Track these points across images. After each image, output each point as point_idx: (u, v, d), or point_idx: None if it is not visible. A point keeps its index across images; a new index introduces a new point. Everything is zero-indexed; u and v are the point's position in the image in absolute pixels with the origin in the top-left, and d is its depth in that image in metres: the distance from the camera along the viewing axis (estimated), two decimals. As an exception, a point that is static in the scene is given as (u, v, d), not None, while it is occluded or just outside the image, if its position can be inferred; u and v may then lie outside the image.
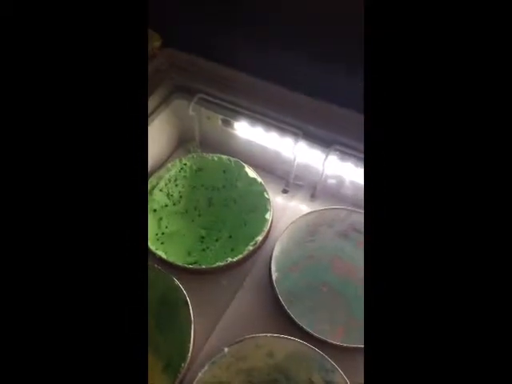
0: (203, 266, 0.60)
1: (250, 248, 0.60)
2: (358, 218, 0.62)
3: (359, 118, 0.57)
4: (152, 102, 0.64)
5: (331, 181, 0.67)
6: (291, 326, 0.54)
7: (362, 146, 0.59)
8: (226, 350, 0.51)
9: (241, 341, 0.51)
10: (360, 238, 0.64)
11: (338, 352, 0.51)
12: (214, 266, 0.59)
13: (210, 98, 0.65)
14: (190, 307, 0.53)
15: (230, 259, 0.59)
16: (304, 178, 0.69)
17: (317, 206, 0.66)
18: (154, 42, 0.65)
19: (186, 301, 0.53)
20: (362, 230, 0.63)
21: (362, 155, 0.59)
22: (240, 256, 0.59)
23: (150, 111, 0.64)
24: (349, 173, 0.63)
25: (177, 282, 0.55)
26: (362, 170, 0.60)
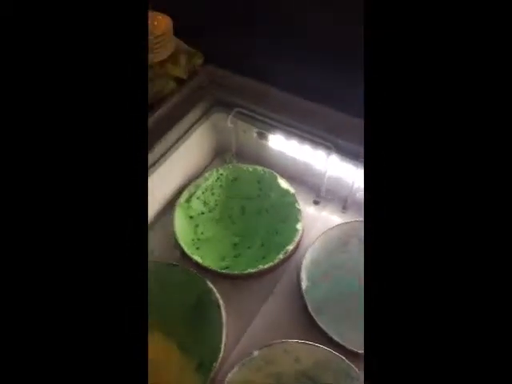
0: (236, 272, 0.62)
1: (281, 257, 0.62)
2: (389, 231, 0.63)
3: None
4: (193, 115, 0.68)
5: (362, 194, 0.68)
6: (319, 334, 0.55)
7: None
8: (255, 353, 0.53)
9: (270, 345, 0.53)
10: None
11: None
12: (246, 272, 0.61)
13: (247, 112, 0.68)
14: (223, 310, 0.56)
15: (261, 266, 0.61)
16: (335, 190, 0.71)
17: (348, 218, 0.68)
18: (197, 60, 0.70)
19: (219, 304, 0.56)
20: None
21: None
22: (271, 264, 0.61)
23: (191, 124, 0.68)
24: (380, 186, 0.64)
25: (210, 285, 0.58)
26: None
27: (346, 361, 0.51)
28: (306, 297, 0.58)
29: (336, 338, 0.54)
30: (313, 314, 0.56)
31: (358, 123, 0.62)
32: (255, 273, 0.61)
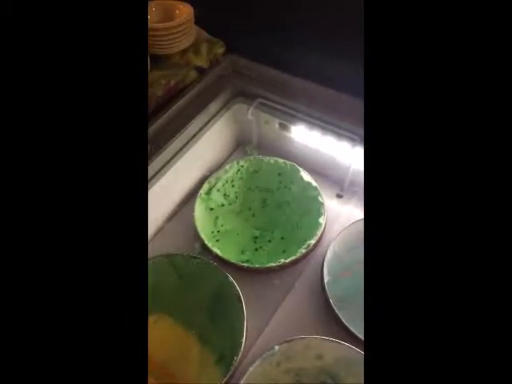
0: (256, 266, 0.61)
1: (303, 251, 0.61)
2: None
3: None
4: (215, 106, 0.67)
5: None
6: (341, 330, 0.54)
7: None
8: (276, 347, 0.52)
9: (291, 340, 0.52)
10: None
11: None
12: (267, 266, 0.60)
13: (269, 103, 0.67)
14: (244, 303, 0.55)
15: (282, 260, 0.60)
16: (359, 183, 0.69)
17: (371, 212, 0.66)
18: (218, 49, 0.68)
19: (240, 297, 0.55)
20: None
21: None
22: (293, 258, 0.60)
23: (212, 114, 0.67)
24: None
25: (231, 278, 0.57)
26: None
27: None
28: (327, 292, 0.57)
29: (358, 335, 0.53)
30: (335, 309, 0.55)
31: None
32: (276, 267, 0.60)
